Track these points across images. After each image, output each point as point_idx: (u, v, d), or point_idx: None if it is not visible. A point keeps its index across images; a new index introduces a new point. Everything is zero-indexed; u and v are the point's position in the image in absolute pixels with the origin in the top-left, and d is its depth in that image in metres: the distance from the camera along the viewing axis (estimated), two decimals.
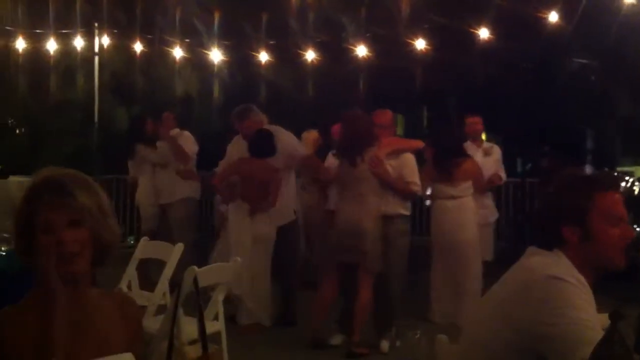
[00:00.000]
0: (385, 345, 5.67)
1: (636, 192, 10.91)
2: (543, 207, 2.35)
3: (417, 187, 5.85)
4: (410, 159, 5.86)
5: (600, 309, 2.08)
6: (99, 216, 1.98)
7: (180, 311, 3.92)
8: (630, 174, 13.53)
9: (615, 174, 13.58)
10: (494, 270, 5.06)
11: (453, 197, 6.46)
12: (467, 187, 6.47)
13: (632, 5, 7.87)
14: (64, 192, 1.95)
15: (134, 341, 2.09)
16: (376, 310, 5.77)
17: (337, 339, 5.86)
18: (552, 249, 2.23)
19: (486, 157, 7.14)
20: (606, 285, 2.36)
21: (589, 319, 2.01)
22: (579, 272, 2.15)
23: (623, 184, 12.24)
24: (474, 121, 7.38)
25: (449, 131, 7.01)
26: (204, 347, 3.32)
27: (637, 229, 9.98)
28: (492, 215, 7.28)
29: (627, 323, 1.67)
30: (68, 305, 1.93)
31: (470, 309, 6.09)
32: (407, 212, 5.89)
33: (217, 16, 11.01)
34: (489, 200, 7.18)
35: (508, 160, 17.52)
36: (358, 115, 5.87)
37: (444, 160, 6.49)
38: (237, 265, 4.54)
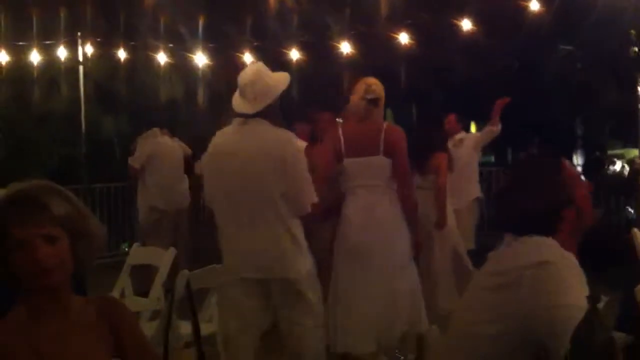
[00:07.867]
0: None
1: (626, 174, 10.97)
2: (542, 197, 2.32)
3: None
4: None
5: None
6: (80, 220, 1.92)
7: (174, 315, 3.92)
8: (621, 157, 13.59)
9: (606, 157, 13.67)
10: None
11: (422, 188, 6.55)
12: (434, 180, 6.60)
13: None
14: (37, 205, 1.86)
15: (132, 343, 2.00)
16: None
17: None
18: (540, 234, 2.24)
19: (457, 148, 7.20)
20: (598, 269, 2.38)
21: (582, 298, 2.02)
22: (566, 250, 2.18)
23: (614, 167, 12.35)
24: (448, 120, 7.49)
25: (422, 126, 7.17)
26: (199, 350, 3.33)
27: (630, 210, 10.04)
28: (464, 198, 7.30)
29: (610, 305, 1.68)
30: (49, 316, 1.89)
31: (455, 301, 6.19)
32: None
33: (200, 20, 10.98)
34: (466, 183, 7.22)
35: (498, 150, 17.64)
36: None
37: (414, 154, 6.68)
38: None
